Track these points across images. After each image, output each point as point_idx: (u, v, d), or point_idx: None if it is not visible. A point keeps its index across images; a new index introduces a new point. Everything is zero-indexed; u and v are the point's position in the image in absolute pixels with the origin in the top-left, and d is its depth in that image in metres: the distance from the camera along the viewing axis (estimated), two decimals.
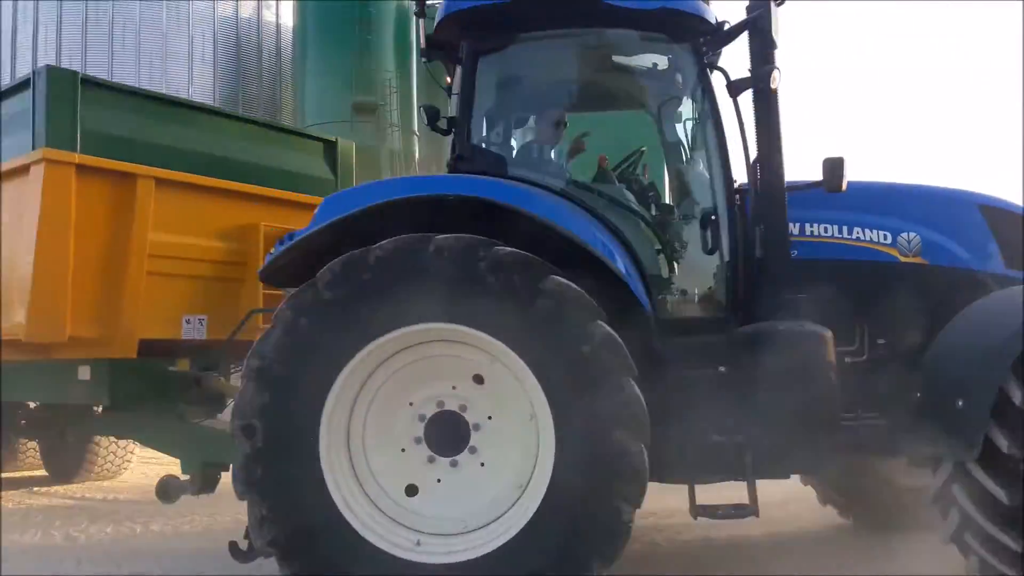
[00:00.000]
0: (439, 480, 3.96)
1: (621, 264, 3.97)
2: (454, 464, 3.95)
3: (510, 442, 3.95)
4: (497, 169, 4.37)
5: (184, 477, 5.86)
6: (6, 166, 5.58)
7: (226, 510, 7.17)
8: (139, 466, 9.53)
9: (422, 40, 4.38)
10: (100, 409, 7.03)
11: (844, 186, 4.17)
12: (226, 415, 6.43)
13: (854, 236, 4.71)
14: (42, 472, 9.47)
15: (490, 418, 3.96)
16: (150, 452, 9.14)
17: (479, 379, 3.99)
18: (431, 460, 3.96)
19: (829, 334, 3.98)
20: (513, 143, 4.88)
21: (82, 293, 5.46)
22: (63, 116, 5.31)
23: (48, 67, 5.31)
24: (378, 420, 3.97)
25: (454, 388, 3.99)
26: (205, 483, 5.88)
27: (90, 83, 5.54)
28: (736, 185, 4.44)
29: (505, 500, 3.90)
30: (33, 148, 5.31)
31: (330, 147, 7.13)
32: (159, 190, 5.71)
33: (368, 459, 3.95)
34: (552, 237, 3.82)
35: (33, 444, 9.45)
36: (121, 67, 17.20)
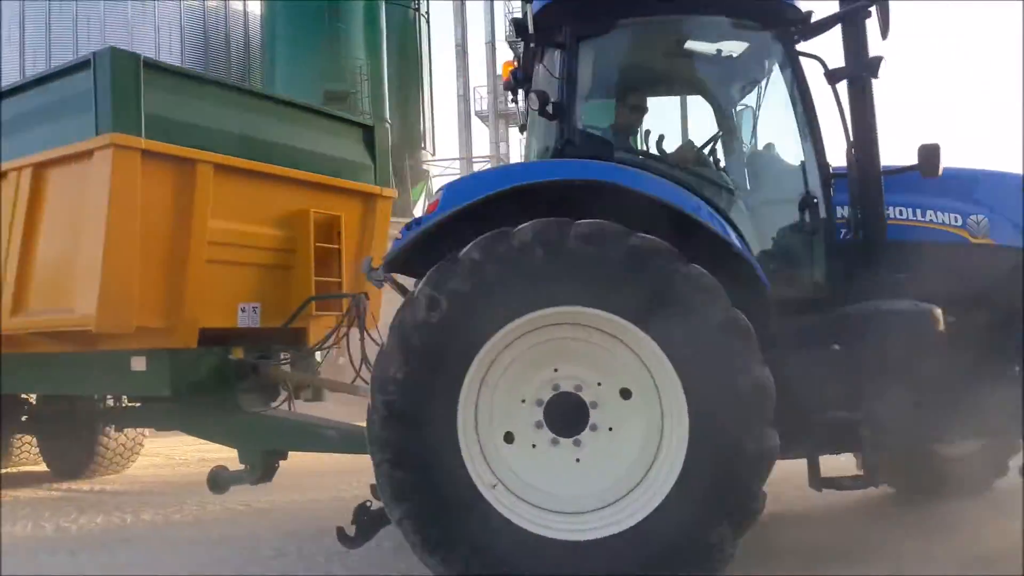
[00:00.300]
0: (565, 460, 3.93)
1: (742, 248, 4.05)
2: (577, 443, 3.94)
3: (631, 422, 3.93)
4: (605, 154, 4.34)
5: (240, 467, 5.78)
6: (62, 151, 5.31)
7: (215, 499, 6.92)
8: None
9: (529, 25, 4.37)
10: (114, 402, 6.83)
11: (940, 171, 4.36)
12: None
13: (927, 219, 4.89)
14: (37, 468, 9.06)
15: (608, 400, 3.92)
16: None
17: (596, 362, 3.96)
18: (554, 442, 3.95)
19: (940, 312, 4.09)
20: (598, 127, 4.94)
21: (147, 282, 5.25)
22: (128, 100, 5.07)
23: (112, 49, 5.07)
24: (502, 402, 3.90)
25: (568, 371, 3.95)
26: (264, 473, 5.80)
27: (150, 65, 5.32)
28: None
29: (631, 478, 3.90)
30: (97, 132, 5.05)
31: (368, 132, 6.97)
32: (217, 176, 5.52)
33: (495, 441, 3.91)
34: (668, 220, 3.83)
35: (28, 439, 9.12)
36: (85, 36, 16.47)
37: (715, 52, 4.91)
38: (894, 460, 5.84)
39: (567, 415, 3.98)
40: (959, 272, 4.63)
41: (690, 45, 4.83)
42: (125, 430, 8.34)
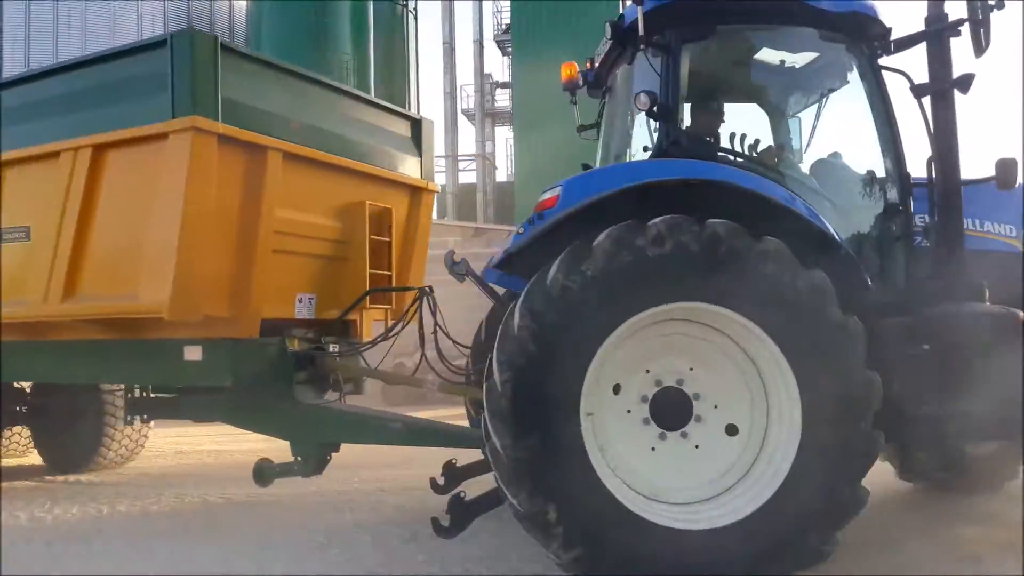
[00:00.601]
0: (671, 453, 4.00)
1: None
2: (684, 436, 4.02)
3: (734, 416, 4.02)
4: (707, 154, 4.41)
5: (291, 460, 5.66)
6: (130, 132, 5.05)
7: (193, 491, 7.03)
8: None
9: (640, 28, 4.41)
10: (141, 393, 6.59)
11: (1016, 184, 4.56)
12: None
13: (985, 228, 5.15)
14: (23, 461, 8.72)
15: (713, 392, 4.01)
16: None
17: (698, 358, 4.06)
18: (662, 437, 4.01)
19: (1022, 314, 4.31)
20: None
21: (215, 270, 5.08)
22: (207, 82, 4.87)
23: (192, 29, 4.90)
24: (611, 399, 3.95)
25: (667, 365, 4.04)
26: (318, 465, 5.68)
27: (224, 48, 5.07)
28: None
29: (737, 471, 3.99)
30: (174, 115, 4.84)
31: (416, 125, 6.84)
32: (284, 164, 5.36)
33: (609, 437, 3.95)
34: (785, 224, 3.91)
35: (17, 430, 8.75)
36: (67, 51, 16.01)
37: (798, 61, 5.05)
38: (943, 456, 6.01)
39: (671, 410, 4.04)
40: (1009, 279, 4.85)
41: (779, 55, 4.97)
42: (133, 422, 8.11)
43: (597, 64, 5.39)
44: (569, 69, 5.83)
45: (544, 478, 3.70)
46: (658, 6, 4.40)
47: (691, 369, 4.07)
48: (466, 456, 5.30)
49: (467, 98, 29.87)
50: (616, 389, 4.00)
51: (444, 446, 5.49)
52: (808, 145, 5.37)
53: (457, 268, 5.07)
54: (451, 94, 28.72)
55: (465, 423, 5.91)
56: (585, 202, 3.86)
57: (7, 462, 8.71)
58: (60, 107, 5.50)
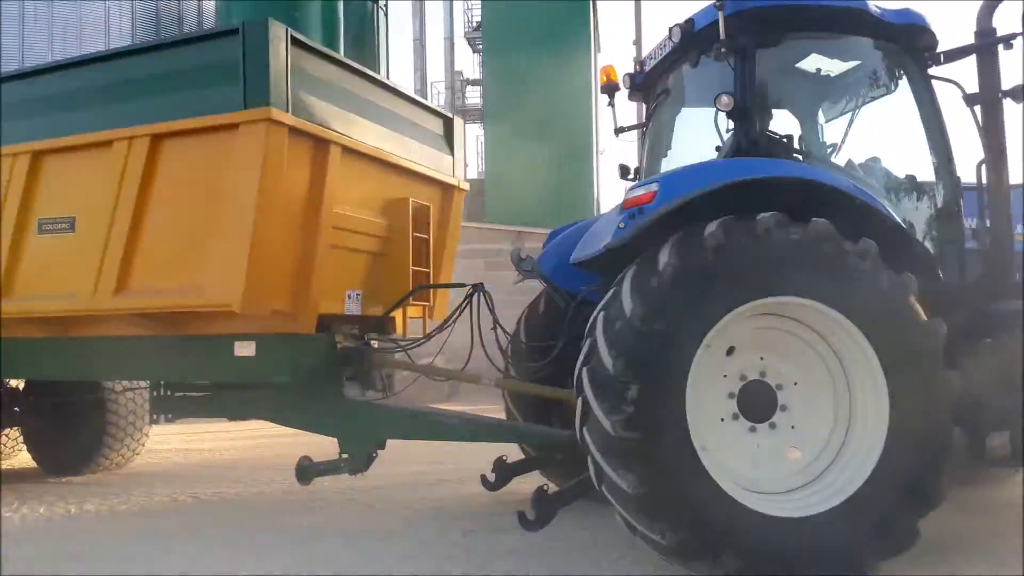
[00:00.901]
0: (759, 444, 4.12)
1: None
2: (772, 427, 4.14)
3: (816, 407, 4.15)
4: (783, 154, 4.51)
5: (339, 457, 5.53)
6: (195, 122, 4.89)
7: (163, 490, 6.91)
8: None
9: (721, 31, 4.52)
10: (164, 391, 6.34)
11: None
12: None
13: (1019, 231, 5.46)
14: (14, 463, 8.39)
15: (795, 384, 4.14)
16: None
17: (785, 350, 4.17)
18: (752, 430, 4.12)
19: None
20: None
21: (282, 264, 4.96)
22: (280, 74, 4.74)
23: (268, 20, 4.79)
24: (702, 396, 3.98)
25: (761, 359, 4.16)
26: (366, 462, 5.57)
27: (293, 39, 4.96)
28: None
29: (821, 463, 4.11)
30: (246, 105, 4.71)
31: (448, 123, 6.78)
32: (343, 159, 5.31)
33: (703, 430, 3.97)
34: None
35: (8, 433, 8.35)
36: (33, 41, 15.42)
37: (833, 69, 5.29)
38: None
39: (758, 401, 4.16)
40: None
41: (818, 63, 5.15)
42: (159, 421, 7.84)
43: (648, 67, 5.51)
44: (608, 72, 5.95)
45: (653, 460, 3.74)
46: (737, 11, 4.54)
47: (761, 358, 4.16)
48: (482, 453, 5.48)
49: (438, 95, 29.53)
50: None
51: (502, 441, 5.49)
52: (840, 150, 5.61)
53: (524, 265, 5.11)
54: (422, 91, 28.22)
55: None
56: (693, 194, 3.94)
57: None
58: (106, 96, 5.27)
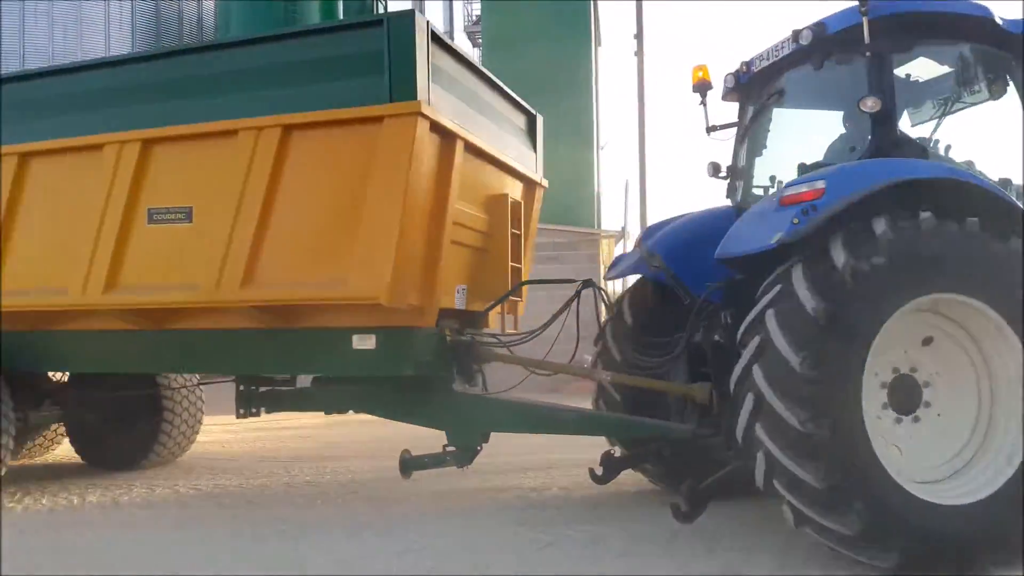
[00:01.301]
0: (911, 436, 4.28)
1: None
2: (916, 420, 4.29)
3: (959, 398, 4.31)
4: (921, 156, 4.65)
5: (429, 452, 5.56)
6: (332, 114, 4.79)
7: (164, 481, 6.84)
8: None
9: (866, 35, 4.65)
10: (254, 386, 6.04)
11: None
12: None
13: None
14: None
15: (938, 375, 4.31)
16: None
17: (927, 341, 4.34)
18: (898, 421, 4.26)
19: None
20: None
21: (417, 258, 4.90)
22: (424, 67, 4.67)
23: (414, 11, 4.72)
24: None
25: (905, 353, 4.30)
26: (472, 455, 5.54)
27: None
28: None
29: (964, 455, 4.29)
30: (391, 98, 4.64)
31: (531, 120, 6.71)
32: (464, 154, 5.27)
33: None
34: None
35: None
36: (33, 32, 14.80)
37: (923, 75, 5.36)
38: None
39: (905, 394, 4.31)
40: None
41: (934, 67, 5.32)
42: (188, 414, 7.64)
43: (756, 68, 5.62)
44: (701, 71, 6.05)
45: (836, 453, 3.82)
46: (880, 15, 4.69)
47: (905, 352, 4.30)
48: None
49: None
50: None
51: (618, 436, 5.55)
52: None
53: (653, 260, 5.19)
54: None
55: None
56: (863, 192, 4.02)
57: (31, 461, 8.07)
58: (229, 84, 5.12)
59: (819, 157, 5.56)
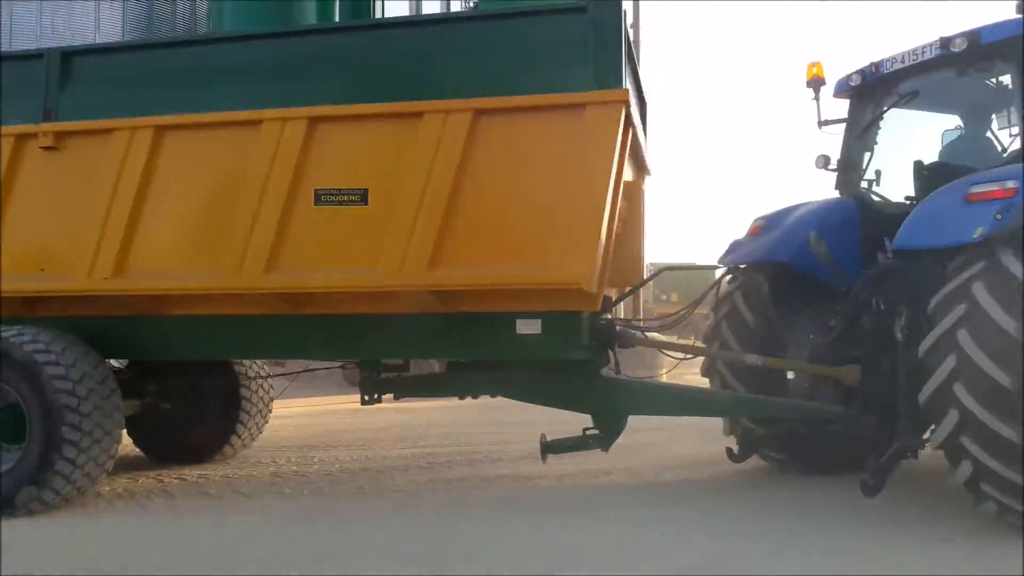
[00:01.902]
0: None
1: None
2: None
3: None
4: None
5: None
6: (530, 100, 4.71)
7: (148, 471, 6.66)
8: None
9: None
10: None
11: None
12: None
13: None
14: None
15: None
16: None
17: None
18: None
19: None
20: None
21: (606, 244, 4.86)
22: (624, 54, 4.67)
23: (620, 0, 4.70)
24: None
25: None
26: (614, 438, 5.55)
27: None
28: None
29: None
30: (598, 85, 4.61)
31: (644, 106, 6.53)
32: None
33: None
34: None
35: None
36: (21, 9, 14.00)
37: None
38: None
39: None
40: None
41: None
42: (263, 403, 7.36)
43: (885, 69, 5.92)
44: (816, 67, 6.33)
45: None
46: None
47: None
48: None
49: None
50: None
51: (774, 416, 5.59)
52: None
53: (819, 247, 5.40)
54: None
55: None
56: None
57: None
58: (412, 65, 4.98)
59: (923, 157, 5.94)
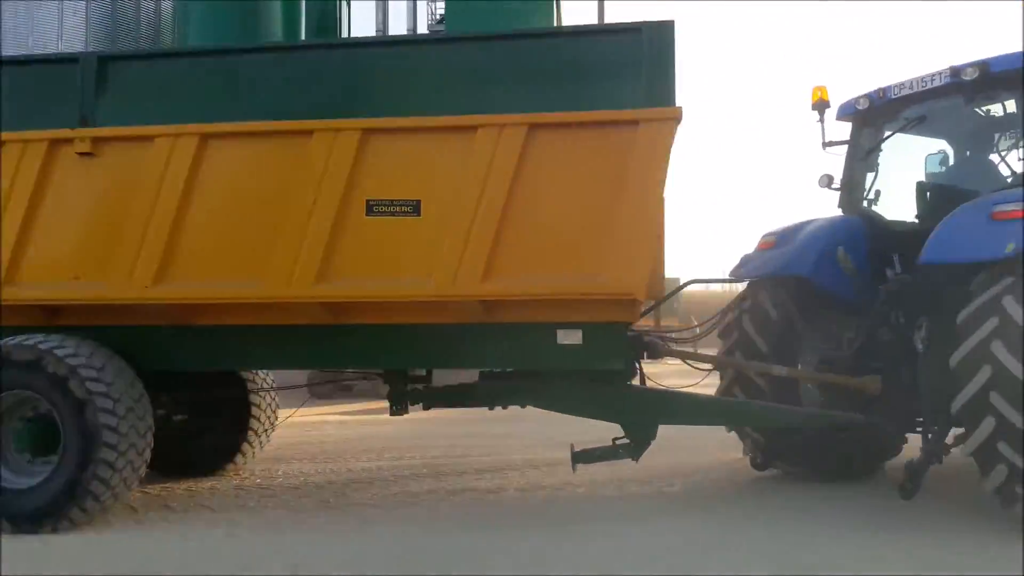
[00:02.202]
0: None
1: None
2: None
3: None
4: None
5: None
6: (587, 116, 4.86)
7: None
8: None
9: None
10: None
11: None
12: None
13: None
14: None
15: None
16: None
17: None
18: None
19: None
20: None
21: None
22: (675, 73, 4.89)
23: (672, 21, 4.85)
24: None
25: None
26: (644, 448, 5.68)
27: None
28: None
29: None
30: (649, 103, 4.79)
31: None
32: None
33: None
34: None
35: None
36: None
37: None
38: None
39: None
40: None
41: None
42: (271, 411, 7.27)
43: (892, 95, 6.26)
44: (820, 92, 6.67)
45: None
46: None
47: None
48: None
49: None
50: None
51: (801, 425, 5.78)
52: None
53: (847, 262, 5.66)
54: None
55: None
56: None
57: None
58: (467, 79, 5.09)
59: (918, 178, 6.32)
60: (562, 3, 15.92)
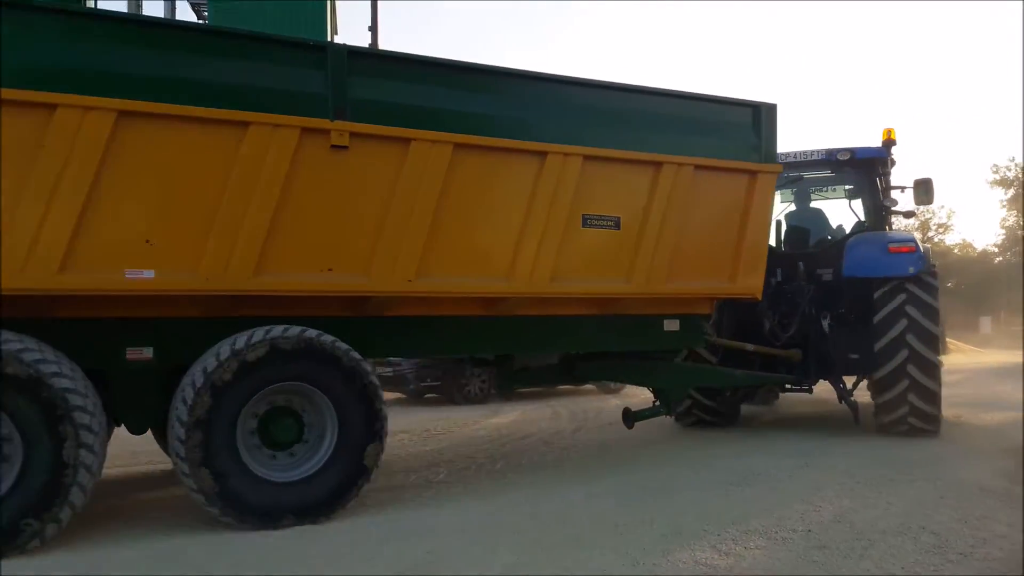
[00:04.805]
0: None
1: None
2: None
3: None
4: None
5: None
6: (729, 163, 6.41)
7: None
8: None
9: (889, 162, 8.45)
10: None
11: (933, 201, 9.46)
12: None
13: None
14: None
15: None
16: None
17: None
18: None
19: None
20: None
21: None
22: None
23: (775, 105, 6.46)
24: None
25: None
26: (677, 406, 7.71)
27: None
28: None
29: None
30: (762, 160, 6.56)
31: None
32: None
33: None
34: None
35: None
36: None
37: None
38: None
39: None
40: None
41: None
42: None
43: (782, 160, 9.00)
44: (888, 133, 8.78)
45: None
46: (871, 157, 8.51)
47: None
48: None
49: None
50: None
51: (760, 384, 8.29)
52: None
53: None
54: None
55: None
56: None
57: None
58: (647, 123, 6.12)
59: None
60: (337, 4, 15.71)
